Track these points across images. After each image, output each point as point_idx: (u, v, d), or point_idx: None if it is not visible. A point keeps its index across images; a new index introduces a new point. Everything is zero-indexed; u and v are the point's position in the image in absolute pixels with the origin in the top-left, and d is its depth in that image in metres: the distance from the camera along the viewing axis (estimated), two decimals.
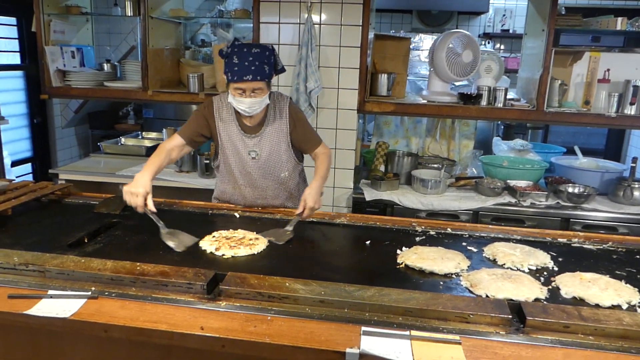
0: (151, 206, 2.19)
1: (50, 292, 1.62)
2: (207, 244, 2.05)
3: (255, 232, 2.19)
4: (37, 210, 2.46)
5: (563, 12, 3.45)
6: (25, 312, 1.51)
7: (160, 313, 1.52)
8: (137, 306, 1.56)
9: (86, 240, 2.06)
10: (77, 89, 3.85)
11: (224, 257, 1.97)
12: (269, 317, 1.51)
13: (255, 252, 2.02)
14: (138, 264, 1.73)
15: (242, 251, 2.00)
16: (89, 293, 1.61)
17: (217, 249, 2.00)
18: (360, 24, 3.36)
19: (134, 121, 5.78)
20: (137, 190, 2.18)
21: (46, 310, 1.52)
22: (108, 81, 3.93)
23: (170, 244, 2.04)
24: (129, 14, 3.73)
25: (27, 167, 5.30)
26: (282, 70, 2.48)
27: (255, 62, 2.27)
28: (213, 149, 3.75)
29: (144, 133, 5.17)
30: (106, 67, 4.08)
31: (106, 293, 1.62)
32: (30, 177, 5.28)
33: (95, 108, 5.67)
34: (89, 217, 2.36)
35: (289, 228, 2.25)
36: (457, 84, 4.07)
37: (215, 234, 2.15)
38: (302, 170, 2.74)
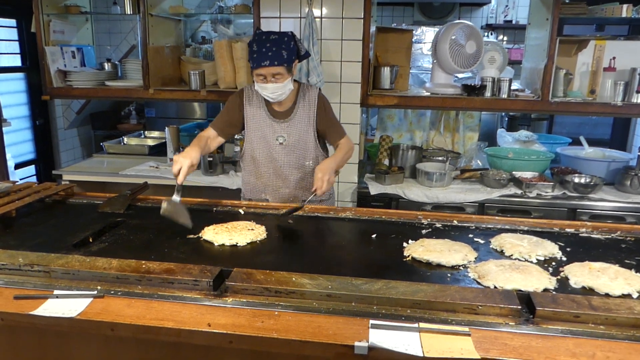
0: (181, 177, 2.22)
1: (56, 292, 1.61)
2: (210, 233, 2.07)
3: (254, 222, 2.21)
4: (41, 211, 2.46)
5: (567, 1, 3.41)
6: (31, 312, 1.51)
7: (167, 310, 1.51)
8: (144, 304, 1.55)
9: (91, 240, 2.05)
10: (78, 89, 3.85)
11: (223, 246, 2.00)
12: (276, 312, 1.50)
13: (257, 240, 2.05)
14: (143, 262, 1.72)
15: (241, 238, 2.03)
16: (95, 292, 1.60)
17: (216, 234, 2.05)
18: (362, 16, 3.34)
19: (136, 121, 5.78)
20: (184, 160, 2.24)
21: (52, 310, 1.51)
22: (109, 80, 3.93)
23: (163, 205, 2.15)
24: (129, 13, 3.72)
25: (31, 169, 5.31)
26: (307, 55, 2.61)
27: (273, 48, 2.37)
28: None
29: (146, 132, 5.17)
30: (107, 66, 4.08)
31: (112, 292, 1.61)
32: (34, 179, 5.29)
33: (97, 108, 5.67)
34: (93, 217, 2.35)
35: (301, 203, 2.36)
36: (460, 75, 4.04)
37: (214, 226, 2.16)
38: None
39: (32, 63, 4.91)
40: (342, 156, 2.59)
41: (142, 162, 4.03)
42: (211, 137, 2.61)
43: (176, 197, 2.21)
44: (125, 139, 4.78)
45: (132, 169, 3.84)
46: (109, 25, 5.20)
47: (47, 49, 3.72)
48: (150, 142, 4.71)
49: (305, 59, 2.63)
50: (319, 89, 2.70)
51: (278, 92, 2.47)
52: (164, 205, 2.17)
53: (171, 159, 3.91)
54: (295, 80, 2.62)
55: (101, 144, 4.62)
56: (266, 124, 2.62)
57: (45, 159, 5.36)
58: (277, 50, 2.38)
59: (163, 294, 1.59)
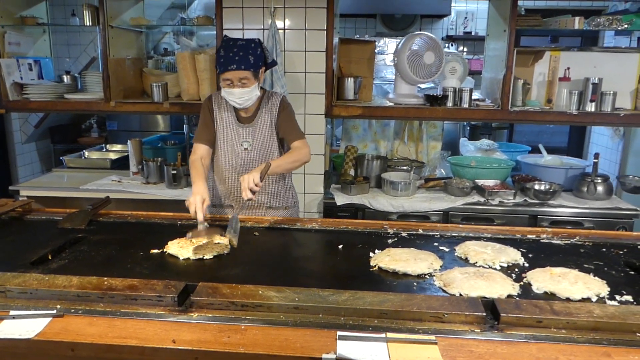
0: (200, 214, 2.19)
1: (12, 312, 1.55)
2: (175, 247, 2.05)
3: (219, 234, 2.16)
4: None
5: (523, 13, 3.52)
6: None
7: (130, 328, 1.47)
8: (106, 322, 1.51)
9: (50, 257, 1.99)
10: (36, 102, 3.74)
11: (188, 260, 1.98)
12: (242, 327, 1.48)
13: (223, 253, 2.04)
14: (105, 278, 1.67)
15: (207, 251, 2.02)
16: (54, 311, 1.55)
17: (181, 247, 2.03)
18: (325, 28, 3.37)
19: (97, 134, 5.66)
20: (195, 199, 2.23)
21: (8, 332, 1.45)
22: (69, 93, 3.83)
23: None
24: (88, 24, 3.64)
25: None
26: (273, 63, 2.66)
27: (240, 53, 2.41)
28: (180, 159, 3.72)
29: (108, 146, 5.07)
30: (66, 79, 3.98)
31: (72, 310, 1.56)
32: None
33: (56, 122, 5.52)
34: (53, 233, 2.28)
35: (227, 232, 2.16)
36: (422, 86, 4.11)
37: (179, 240, 2.13)
38: None
39: None
40: (283, 161, 2.47)
41: (104, 177, 3.94)
42: (204, 155, 2.60)
43: (202, 226, 2.15)
44: (87, 153, 4.66)
45: (94, 184, 3.75)
46: (68, 37, 5.09)
47: (2, 61, 3.61)
48: (113, 156, 4.61)
49: (272, 67, 2.66)
50: (284, 96, 2.71)
51: (245, 97, 2.48)
52: (190, 234, 2.07)
53: (134, 172, 3.86)
54: (262, 88, 2.64)
55: (61, 158, 4.50)
56: (232, 128, 2.63)
57: (1, 174, 5.18)
58: (244, 55, 2.41)
59: (126, 311, 1.55)
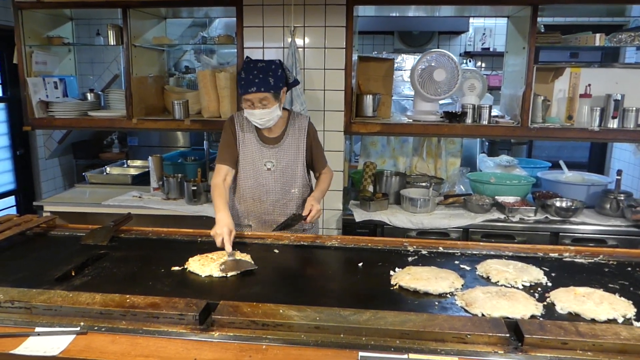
0: (228, 246, 2.18)
1: (38, 329, 1.57)
2: (195, 264, 2.06)
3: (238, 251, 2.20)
4: (22, 244, 2.41)
5: (542, 30, 3.51)
6: (11, 351, 1.46)
7: (152, 346, 1.48)
8: (128, 340, 1.52)
9: (73, 274, 2.02)
10: (60, 119, 3.82)
11: (209, 277, 1.98)
12: (263, 346, 1.48)
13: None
14: (127, 296, 1.69)
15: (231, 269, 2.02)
16: (78, 328, 1.57)
17: (202, 265, 2.04)
18: (344, 46, 3.39)
19: (118, 150, 5.75)
20: (222, 230, 2.23)
21: (34, 349, 1.47)
22: (92, 111, 3.90)
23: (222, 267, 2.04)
24: (112, 44, 3.72)
25: (11, 200, 5.22)
26: (295, 83, 2.70)
27: (260, 75, 2.44)
28: (200, 175, 3.74)
29: (129, 161, 5.14)
30: (90, 96, 4.06)
31: (95, 328, 1.58)
32: (14, 210, 5.20)
33: (79, 138, 5.63)
34: (76, 249, 2.31)
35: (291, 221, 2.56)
36: (441, 102, 4.11)
37: (199, 257, 2.14)
38: (310, 192, 2.78)
39: (13, 93, 4.87)
40: (325, 187, 2.73)
41: (125, 192, 3.99)
42: (227, 176, 2.63)
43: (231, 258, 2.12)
44: (108, 169, 4.74)
45: (115, 199, 3.80)
46: (92, 55, 5.20)
47: (29, 80, 3.70)
48: (133, 172, 4.67)
49: (294, 87, 2.69)
50: (309, 117, 2.76)
51: (265, 117, 2.52)
52: (223, 267, 2.06)
53: (155, 188, 3.91)
54: (285, 109, 2.68)
55: (83, 173, 4.57)
56: (255, 148, 2.66)
57: (25, 189, 5.29)
58: (264, 77, 2.45)
59: (148, 329, 1.56)
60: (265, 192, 2.68)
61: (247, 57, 2.65)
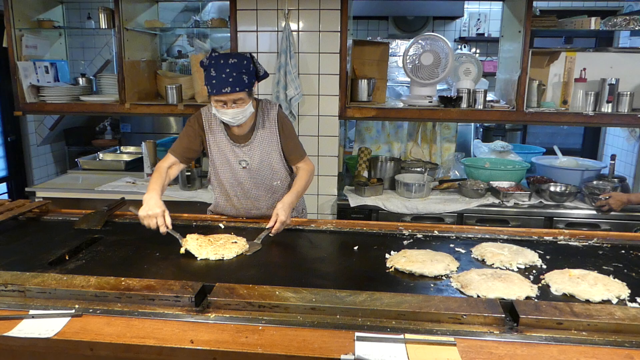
0: (168, 223, 2.17)
1: (32, 312, 1.56)
2: (194, 243, 2.06)
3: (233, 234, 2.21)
4: (14, 229, 2.39)
5: (538, 14, 3.49)
6: (5, 333, 1.46)
7: (148, 328, 1.48)
8: (124, 322, 1.51)
9: (67, 258, 2.00)
10: (52, 104, 3.77)
11: (205, 260, 1.99)
12: (260, 327, 1.47)
13: (242, 253, 2.05)
14: (123, 279, 1.68)
15: (226, 252, 2.03)
16: (73, 311, 1.56)
17: (199, 246, 2.04)
18: (339, 29, 3.36)
19: (111, 136, 5.69)
20: (155, 212, 2.16)
21: (28, 331, 1.46)
22: (84, 95, 3.86)
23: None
24: (104, 27, 3.67)
25: (3, 187, 5.17)
26: (265, 75, 2.43)
27: (233, 73, 2.24)
28: (193, 161, 3.72)
29: (122, 148, 5.10)
30: (81, 81, 4.01)
31: (90, 310, 1.57)
32: (5, 197, 5.15)
33: (71, 124, 5.57)
34: (69, 234, 2.29)
35: (257, 241, 2.20)
36: (438, 87, 4.09)
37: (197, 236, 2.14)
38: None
39: (3, 78, 4.80)
40: (301, 188, 2.47)
41: (118, 178, 3.97)
42: (173, 165, 2.50)
43: (180, 237, 2.14)
44: (101, 155, 4.70)
45: (108, 185, 3.77)
46: (83, 40, 5.13)
47: (20, 64, 3.65)
48: (127, 158, 4.64)
49: (264, 79, 2.45)
50: (279, 105, 2.57)
51: (239, 116, 2.35)
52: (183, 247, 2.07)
53: (149, 174, 3.88)
54: (255, 99, 2.48)
55: (76, 160, 4.53)
56: (228, 149, 2.50)
57: (17, 175, 5.23)
58: (238, 75, 2.25)
59: (143, 311, 1.56)
60: (248, 189, 2.56)
61: (214, 49, 2.43)
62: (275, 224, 2.25)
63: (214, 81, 2.25)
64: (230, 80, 2.23)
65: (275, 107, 2.52)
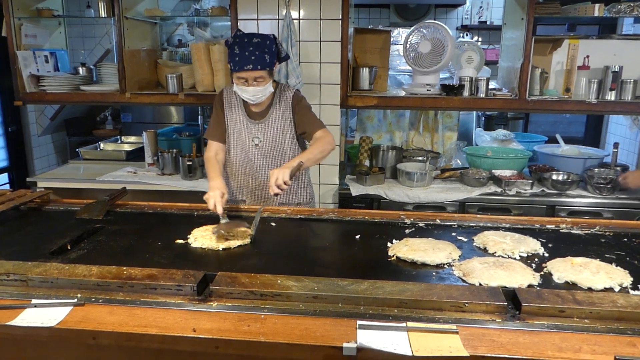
0: (219, 207, 2.20)
1: (34, 301, 1.56)
2: (200, 235, 2.07)
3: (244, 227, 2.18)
4: (16, 219, 2.39)
5: (540, 1, 3.46)
6: (8, 323, 1.46)
7: (150, 317, 1.48)
8: (126, 311, 1.51)
9: (69, 247, 2.00)
10: (52, 94, 3.76)
11: (207, 250, 1.99)
12: (262, 316, 1.47)
13: (243, 243, 2.04)
14: (125, 268, 1.68)
15: (228, 242, 2.02)
16: (75, 300, 1.56)
17: (201, 237, 2.05)
18: (340, 17, 3.34)
19: (112, 126, 5.69)
20: (214, 193, 2.24)
21: (31, 320, 1.46)
22: (84, 85, 3.85)
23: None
24: (103, 16, 3.65)
25: (4, 177, 5.18)
26: (286, 57, 2.59)
27: (256, 52, 2.35)
28: (195, 150, 3.72)
29: (123, 137, 5.10)
30: (82, 70, 3.99)
31: (93, 299, 1.57)
32: (7, 187, 5.16)
33: (71, 114, 5.56)
34: (71, 224, 2.29)
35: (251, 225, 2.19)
36: (441, 76, 4.06)
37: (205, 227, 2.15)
38: None
39: (3, 68, 4.78)
40: (310, 154, 2.45)
41: (119, 168, 3.96)
42: (218, 151, 2.62)
43: (224, 220, 2.17)
44: (102, 145, 4.70)
45: (110, 175, 3.77)
46: (83, 29, 5.11)
47: (19, 53, 3.63)
48: (128, 148, 4.64)
49: (285, 61, 2.62)
50: (297, 89, 2.69)
51: (259, 95, 2.47)
52: (216, 230, 2.09)
53: (150, 164, 3.88)
54: (274, 81, 2.60)
55: (77, 150, 4.53)
56: (243, 125, 2.62)
57: (18, 166, 5.24)
58: (260, 54, 2.36)
59: (146, 300, 1.56)
60: (256, 168, 2.65)
61: (239, 30, 2.57)
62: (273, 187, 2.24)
63: (237, 58, 2.37)
64: (253, 58, 2.35)
65: (292, 90, 2.64)
